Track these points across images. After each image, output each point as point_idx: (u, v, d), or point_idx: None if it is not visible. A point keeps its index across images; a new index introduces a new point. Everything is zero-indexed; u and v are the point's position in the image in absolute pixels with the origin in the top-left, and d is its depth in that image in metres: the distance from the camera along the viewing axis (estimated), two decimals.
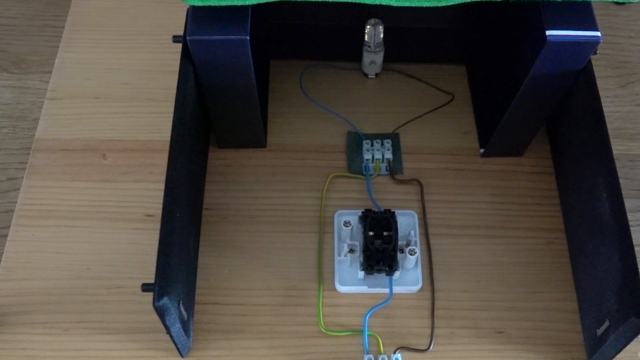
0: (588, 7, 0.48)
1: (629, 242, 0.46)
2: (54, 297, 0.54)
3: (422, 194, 0.59)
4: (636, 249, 0.46)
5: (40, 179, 0.60)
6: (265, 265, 0.54)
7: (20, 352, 0.52)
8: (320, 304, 0.53)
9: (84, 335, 0.52)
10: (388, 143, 0.61)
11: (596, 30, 0.48)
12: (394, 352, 0.51)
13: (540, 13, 0.48)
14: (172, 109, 0.48)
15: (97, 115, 0.63)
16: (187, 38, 0.48)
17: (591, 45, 0.48)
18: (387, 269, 0.53)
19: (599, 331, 0.49)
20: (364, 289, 0.54)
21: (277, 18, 0.62)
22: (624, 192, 0.48)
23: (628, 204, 0.49)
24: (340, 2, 0.48)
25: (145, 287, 0.44)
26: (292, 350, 0.52)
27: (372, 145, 0.61)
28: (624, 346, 0.46)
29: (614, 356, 0.48)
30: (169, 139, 0.48)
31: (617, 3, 0.72)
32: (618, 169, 0.49)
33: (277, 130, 0.62)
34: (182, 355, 0.51)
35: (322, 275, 0.55)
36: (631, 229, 0.47)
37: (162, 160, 0.47)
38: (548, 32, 0.47)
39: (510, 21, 0.56)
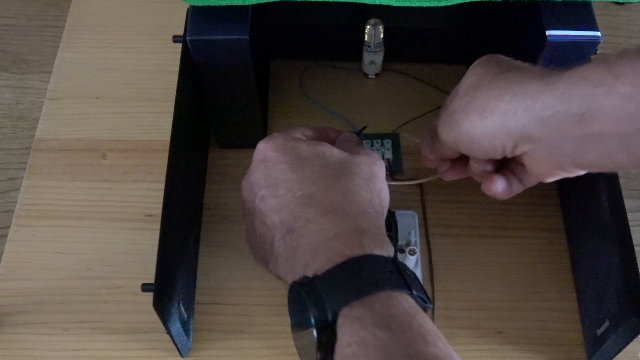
0: (588, 7, 0.48)
1: (629, 242, 0.46)
2: (54, 297, 0.54)
3: (422, 194, 0.59)
4: (636, 249, 0.46)
5: (40, 179, 0.60)
6: None
7: (20, 352, 0.52)
8: None
9: (84, 335, 0.52)
10: (388, 143, 0.61)
11: (596, 30, 0.48)
12: None
13: (540, 13, 0.48)
14: (172, 109, 0.48)
15: (97, 115, 0.63)
16: (187, 38, 0.48)
17: (591, 45, 0.48)
18: None
19: (599, 331, 0.49)
20: None
21: (277, 18, 0.62)
22: (623, 192, 0.48)
23: (628, 204, 0.49)
24: (340, 2, 0.48)
25: (145, 287, 0.44)
26: (292, 350, 0.51)
27: (372, 145, 0.61)
28: (624, 346, 0.46)
29: (614, 356, 0.48)
30: (169, 139, 0.48)
31: (617, 3, 0.72)
32: None
33: (277, 130, 0.62)
34: (182, 355, 0.51)
35: None
36: (631, 229, 0.47)
37: (162, 160, 0.47)
38: (548, 32, 0.47)
39: (510, 21, 0.56)
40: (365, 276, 0.36)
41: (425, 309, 0.37)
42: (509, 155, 0.43)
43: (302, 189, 0.41)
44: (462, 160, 0.50)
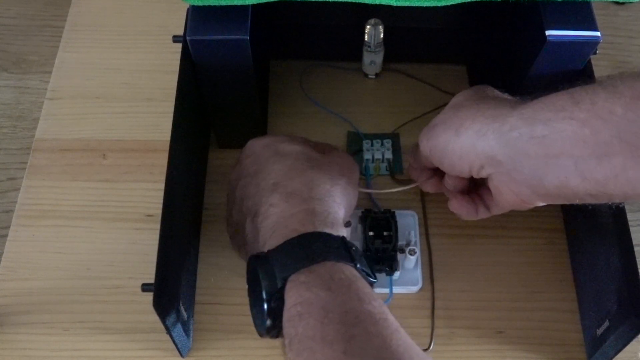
0: (588, 7, 0.48)
1: (628, 242, 0.46)
2: (54, 297, 0.54)
3: (422, 194, 0.59)
4: (636, 249, 0.46)
5: (40, 179, 0.60)
6: None
7: (20, 352, 0.52)
8: None
9: (84, 335, 0.52)
10: (388, 143, 0.61)
11: (596, 30, 0.48)
12: None
13: (540, 13, 0.48)
14: (172, 109, 0.48)
15: (97, 115, 0.63)
16: (187, 38, 0.48)
17: (591, 46, 0.48)
18: (387, 269, 0.53)
19: (599, 331, 0.49)
20: None
21: (277, 18, 0.62)
22: None
23: (628, 204, 0.49)
24: (340, 2, 0.48)
25: (145, 287, 0.44)
26: None
27: (372, 145, 0.61)
28: (624, 346, 0.46)
29: (613, 356, 0.48)
30: (169, 139, 0.48)
31: (617, 3, 0.72)
32: None
33: (277, 130, 0.62)
34: (182, 355, 0.51)
35: None
36: (631, 229, 0.47)
37: (162, 160, 0.47)
38: (548, 32, 0.47)
39: (510, 21, 0.56)
40: (313, 249, 0.40)
41: (370, 284, 0.41)
42: (475, 175, 0.46)
43: (273, 178, 0.46)
44: (440, 174, 0.53)
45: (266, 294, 0.39)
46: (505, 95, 0.48)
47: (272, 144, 0.49)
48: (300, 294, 0.38)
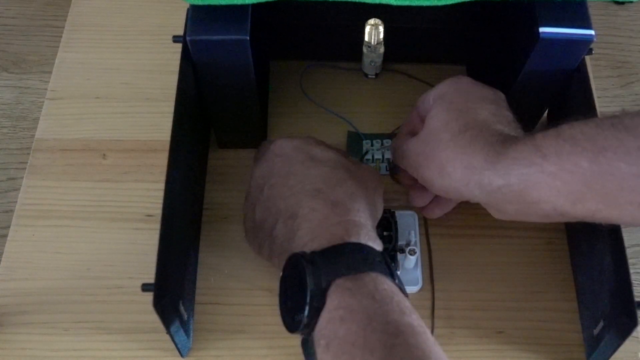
0: (583, 6, 0.48)
1: (620, 242, 0.46)
2: (54, 297, 0.54)
3: None
4: (635, 248, 0.47)
5: (40, 179, 0.60)
6: (265, 265, 0.54)
7: (20, 352, 0.52)
8: None
9: (84, 335, 0.52)
10: (388, 143, 0.61)
11: (590, 28, 0.48)
12: None
13: (534, 10, 0.48)
14: (172, 109, 0.48)
15: (97, 115, 0.63)
16: (187, 38, 0.48)
17: (585, 44, 0.48)
18: None
19: (595, 331, 0.49)
20: None
21: (277, 18, 0.62)
22: None
23: None
24: (340, 2, 0.48)
25: (145, 287, 0.44)
26: (292, 350, 0.52)
27: (372, 145, 0.61)
28: (618, 346, 0.46)
29: (610, 355, 0.48)
30: (169, 139, 0.48)
31: (617, 3, 0.72)
32: None
33: (277, 130, 0.62)
34: (182, 355, 0.51)
35: None
36: (629, 229, 0.47)
37: (162, 160, 0.47)
38: (541, 29, 0.47)
39: (506, 20, 0.56)
40: (358, 258, 0.42)
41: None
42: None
43: (312, 183, 0.47)
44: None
45: (311, 292, 0.40)
46: (486, 109, 0.48)
47: (304, 147, 0.50)
48: (344, 299, 0.40)
